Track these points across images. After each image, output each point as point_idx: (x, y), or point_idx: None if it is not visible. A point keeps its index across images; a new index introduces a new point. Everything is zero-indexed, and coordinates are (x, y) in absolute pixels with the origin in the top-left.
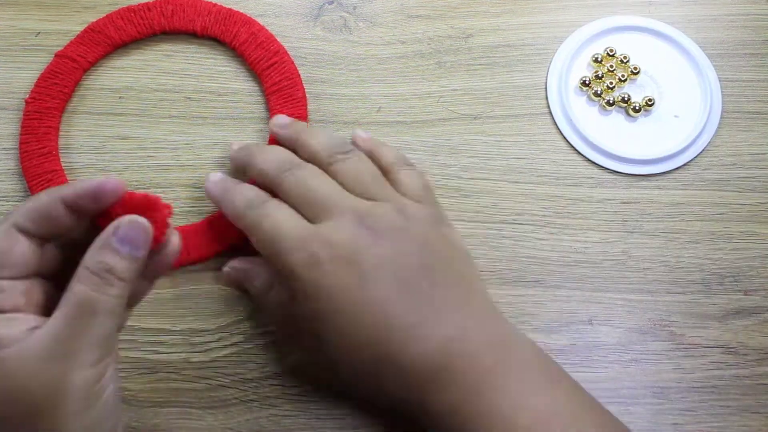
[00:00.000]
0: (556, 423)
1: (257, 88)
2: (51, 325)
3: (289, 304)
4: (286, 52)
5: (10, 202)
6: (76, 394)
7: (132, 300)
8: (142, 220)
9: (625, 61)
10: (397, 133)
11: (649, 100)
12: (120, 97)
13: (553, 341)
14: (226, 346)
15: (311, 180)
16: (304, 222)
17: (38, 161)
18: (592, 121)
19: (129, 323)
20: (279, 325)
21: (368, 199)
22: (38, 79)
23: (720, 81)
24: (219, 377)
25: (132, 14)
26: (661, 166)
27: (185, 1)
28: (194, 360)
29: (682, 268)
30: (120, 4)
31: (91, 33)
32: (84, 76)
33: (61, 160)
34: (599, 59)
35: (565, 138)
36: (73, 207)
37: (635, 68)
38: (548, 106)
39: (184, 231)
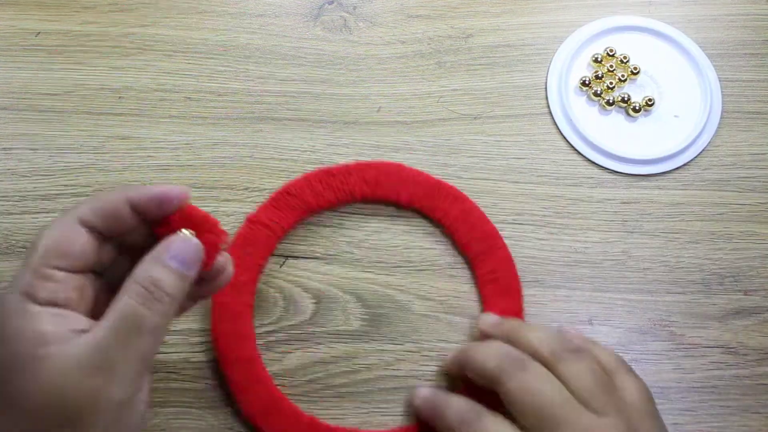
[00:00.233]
0: None
1: (257, 88)
2: (96, 334)
3: None
4: (499, 236)
5: (10, 202)
6: (110, 408)
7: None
8: (195, 240)
9: (625, 61)
10: (397, 133)
11: (649, 100)
12: (120, 97)
13: None
14: None
15: (536, 384)
16: None
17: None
18: (592, 121)
19: None
20: None
21: (594, 408)
22: (231, 247)
23: (720, 81)
24: (219, 377)
25: (331, 178)
26: (661, 166)
27: (388, 167)
28: (194, 360)
29: (682, 268)
30: (120, 4)
31: (287, 197)
32: (84, 76)
33: (61, 160)
34: (599, 59)
35: (565, 138)
36: (137, 209)
37: (635, 68)
38: (548, 106)
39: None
